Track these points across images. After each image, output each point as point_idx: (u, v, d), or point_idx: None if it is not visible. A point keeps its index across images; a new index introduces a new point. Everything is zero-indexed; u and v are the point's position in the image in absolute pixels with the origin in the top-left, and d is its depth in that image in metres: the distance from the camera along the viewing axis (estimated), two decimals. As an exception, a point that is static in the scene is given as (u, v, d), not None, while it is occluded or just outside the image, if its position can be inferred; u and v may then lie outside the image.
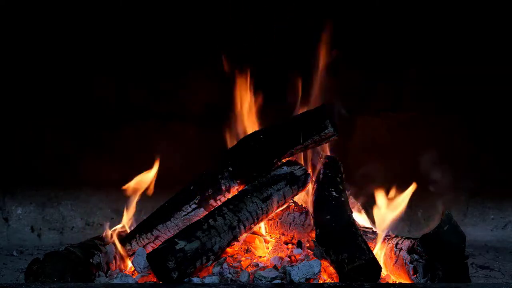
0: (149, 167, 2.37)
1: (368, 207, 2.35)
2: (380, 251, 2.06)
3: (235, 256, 2.08)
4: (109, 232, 2.15)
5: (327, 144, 2.32)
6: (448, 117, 3.03)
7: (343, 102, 2.41)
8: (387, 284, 1.90)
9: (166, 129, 3.00)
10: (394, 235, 2.10)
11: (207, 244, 1.89)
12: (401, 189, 2.23)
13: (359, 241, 1.87)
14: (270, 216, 2.19)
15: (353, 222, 2.02)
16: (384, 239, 2.08)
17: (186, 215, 2.15)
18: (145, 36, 2.92)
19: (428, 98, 3.01)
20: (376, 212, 2.25)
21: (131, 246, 2.14)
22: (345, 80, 2.91)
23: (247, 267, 2.00)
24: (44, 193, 3.04)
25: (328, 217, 2.01)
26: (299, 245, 2.16)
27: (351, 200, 2.33)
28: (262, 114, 2.44)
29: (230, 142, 2.39)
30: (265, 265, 2.02)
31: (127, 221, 2.28)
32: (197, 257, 1.86)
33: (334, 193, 2.16)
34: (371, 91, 3.01)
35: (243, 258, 2.07)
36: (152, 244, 2.12)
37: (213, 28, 2.91)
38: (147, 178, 2.32)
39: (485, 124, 3.02)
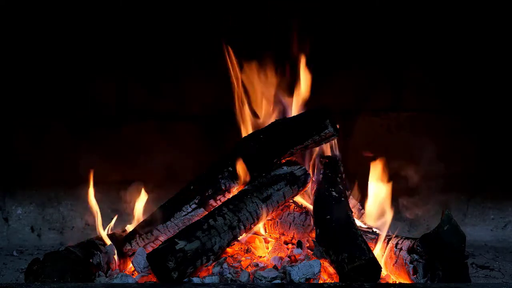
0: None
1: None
2: (380, 251, 2.06)
3: (235, 256, 2.08)
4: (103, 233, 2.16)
5: (327, 144, 2.32)
6: (448, 116, 3.03)
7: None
8: (387, 284, 1.90)
9: (166, 129, 2.99)
10: (394, 235, 2.10)
11: (207, 244, 1.89)
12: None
13: (359, 241, 1.87)
14: (270, 216, 2.19)
15: (353, 222, 2.02)
16: (384, 239, 2.08)
17: (186, 215, 2.14)
18: (145, 35, 2.92)
19: (428, 98, 3.01)
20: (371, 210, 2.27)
21: (131, 246, 2.14)
22: (344, 80, 2.92)
23: (247, 267, 2.00)
24: (44, 193, 3.04)
25: (328, 217, 2.01)
26: (299, 245, 2.16)
27: (351, 200, 2.34)
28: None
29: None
30: (265, 265, 2.02)
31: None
32: (197, 257, 1.86)
33: (334, 193, 2.16)
34: (371, 90, 3.00)
35: (243, 258, 2.07)
36: (152, 244, 2.12)
37: (214, 27, 2.91)
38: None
39: (485, 123, 3.01)
